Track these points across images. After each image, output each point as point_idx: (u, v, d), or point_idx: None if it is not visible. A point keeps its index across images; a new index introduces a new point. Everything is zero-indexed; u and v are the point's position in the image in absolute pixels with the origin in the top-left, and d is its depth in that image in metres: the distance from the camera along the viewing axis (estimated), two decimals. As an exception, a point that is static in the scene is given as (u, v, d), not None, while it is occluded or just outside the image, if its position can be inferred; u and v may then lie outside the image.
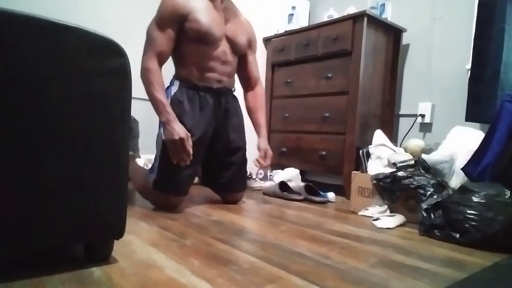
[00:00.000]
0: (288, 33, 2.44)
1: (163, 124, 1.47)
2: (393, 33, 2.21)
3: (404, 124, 2.24)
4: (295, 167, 2.16)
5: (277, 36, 2.52)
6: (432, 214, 1.31)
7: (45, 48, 0.72)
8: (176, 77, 1.62)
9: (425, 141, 1.90)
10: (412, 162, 1.61)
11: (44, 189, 0.73)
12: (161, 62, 1.50)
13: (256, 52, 1.83)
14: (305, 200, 1.92)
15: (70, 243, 0.90)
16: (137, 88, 1.54)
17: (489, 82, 1.75)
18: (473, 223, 1.17)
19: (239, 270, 0.86)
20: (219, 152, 1.66)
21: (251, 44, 1.77)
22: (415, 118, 2.14)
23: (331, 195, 1.94)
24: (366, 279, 0.85)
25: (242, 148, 1.73)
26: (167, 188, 1.49)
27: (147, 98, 1.47)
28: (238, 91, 1.80)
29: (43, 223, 0.74)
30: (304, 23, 2.61)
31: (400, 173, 1.52)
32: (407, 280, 0.85)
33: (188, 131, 1.45)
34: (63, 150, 0.75)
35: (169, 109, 1.46)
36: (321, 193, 1.93)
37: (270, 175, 2.26)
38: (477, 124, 1.84)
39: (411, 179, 1.47)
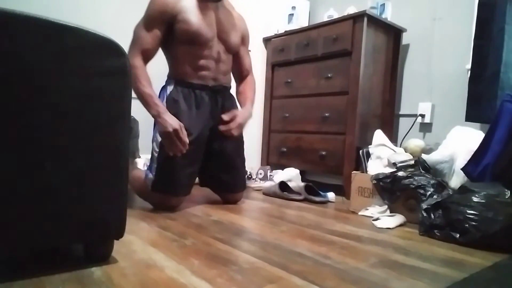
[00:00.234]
0: (288, 33, 2.44)
1: (153, 117, 1.46)
2: (393, 33, 2.21)
3: (404, 124, 2.24)
4: (295, 167, 2.16)
5: (277, 36, 2.52)
6: (432, 214, 1.31)
7: (45, 48, 0.72)
8: (170, 76, 1.62)
9: (425, 141, 1.90)
10: (412, 162, 1.61)
11: (44, 189, 0.73)
12: (145, 60, 1.50)
13: (249, 44, 1.82)
14: (305, 200, 1.92)
15: (70, 243, 0.90)
16: (137, 88, 1.54)
17: (489, 82, 1.75)
18: (473, 223, 1.17)
19: (239, 270, 0.86)
20: (218, 151, 1.66)
21: (244, 40, 1.76)
22: (415, 118, 2.14)
23: (331, 195, 1.94)
24: (366, 279, 0.85)
25: (241, 148, 1.73)
26: (165, 189, 1.49)
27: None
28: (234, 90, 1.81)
29: (43, 223, 0.74)
30: (304, 23, 2.61)
31: (400, 173, 1.52)
32: (407, 280, 0.85)
33: (185, 131, 1.45)
34: (63, 150, 0.75)
35: (157, 101, 1.46)
36: (321, 193, 1.93)
37: (270, 175, 2.27)
38: (477, 124, 1.83)
39: (411, 179, 1.47)
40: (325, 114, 2.15)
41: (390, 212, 1.53)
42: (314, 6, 2.80)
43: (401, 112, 2.28)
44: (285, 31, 2.48)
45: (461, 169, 1.45)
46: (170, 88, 1.57)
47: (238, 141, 1.71)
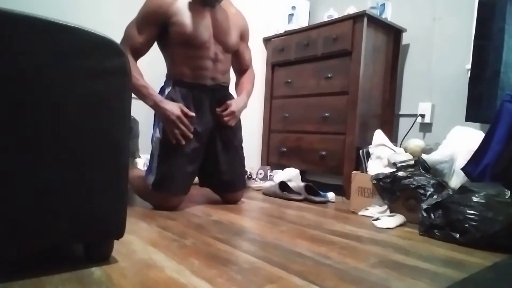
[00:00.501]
0: (288, 33, 2.43)
1: (152, 107, 1.46)
2: (393, 33, 2.21)
3: (404, 124, 2.24)
4: (295, 167, 2.16)
5: (277, 36, 2.52)
6: (432, 214, 1.31)
7: (45, 48, 0.72)
8: (169, 76, 1.62)
9: (425, 141, 1.90)
10: (412, 162, 1.61)
11: (44, 189, 0.73)
12: (135, 58, 1.50)
13: (249, 40, 1.82)
14: (305, 200, 1.92)
15: (70, 243, 0.90)
16: (137, 88, 1.54)
17: (489, 82, 1.75)
18: (473, 223, 1.17)
19: (239, 270, 0.86)
20: (217, 151, 1.66)
21: (243, 36, 1.75)
22: (415, 118, 2.14)
23: (331, 195, 1.94)
24: (366, 279, 0.85)
25: (240, 147, 1.73)
26: (167, 188, 1.48)
27: None
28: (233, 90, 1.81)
29: (43, 223, 0.74)
30: (304, 23, 2.61)
31: (400, 173, 1.52)
32: (407, 280, 0.85)
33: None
34: (63, 150, 0.75)
35: (152, 91, 1.47)
36: (321, 193, 1.93)
37: (270, 175, 2.27)
38: (477, 124, 1.83)
39: (411, 179, 1.47)
40: (325, 114, 2.15)
41: (390, 212, 1.53)
42: (314, 6, 2.80)
43: (401, 112, 2.28)
44: (285, 31, 2.48)
45: (461, 169, 1.45)
46: (168, 89, 1.57)
47: (234, 139, 1.71)
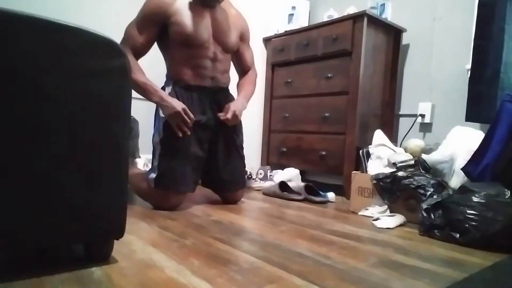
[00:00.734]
0: (288, 33, 2.43)
1: (157, 103, 1.48)
2: (393, 33, 2.21)
3: (404, 124, 2.24)
4: (295, 167, 2.16)
5: (277, 36, 2.52)
6: (432, 214, 1.31)
7: (45, 48, 0.72)
8: (169, 76, 1.62)
9: (425, 141, 1.90)
10: (412, 162, 1.61)
11: (44, 189, 0.73)
12: (136, 57, 1.51)
13: (249, 40, 1.82)
14: (305, 200, 1.92)
15: (70, 243, 0.90)
16: (137, 88, 1.54)
17: (489, 82, 1.75)
18: (473, 223, 1.17)
19: (239, 270, 0.86)
20: (218, 151, 1.66)
21: (243, 37, 1.76)
22: (415, 118, 2.14)
23: (331, 195, 1.94)
24: (366, 279, 0.85)
25: (240, 148, 1.74)
26: (167, 184, 1.48)
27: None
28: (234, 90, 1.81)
29: (43, 223, 0.74)
30: (304, 23, 2.61)
31: (400, 173, 1.52)
32: (407, 280, 0.85)
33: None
34: (63, 150, 0.75)
35: (156, 87, 1.49)
36: (321, 193, 1.93)
37: (270, 175, 2.27)
38: (477, 124, 1.84)
39: (411, 179, 1.47)
40: (325, 114, 2.15)
41: (390, 212, 1.53)
42: (314, 6, 2.80)
43: (401, 112, 2.28)
44: (285, 31, 2.48)
45: (461, 169, 1.45)
46: (168, 90, 1.57)
47: (236, 139, 1.71)
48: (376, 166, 1.70)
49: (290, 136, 2.39)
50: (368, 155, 1.78)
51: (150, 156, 1.63)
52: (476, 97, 1.79)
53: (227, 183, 1.70)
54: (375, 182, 1.59)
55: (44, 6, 1.74)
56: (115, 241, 0.88)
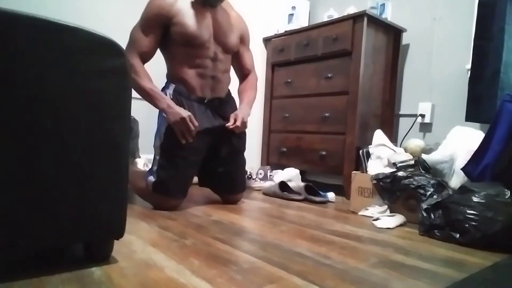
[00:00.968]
0: (288, 33, 2.43)
1: (163, 110, 1.48)
2: (393, 33, 2.21)
3: (404, 124, 2.24)
4: (295, 167, 2.16)
5: (277, 36, 2.52)
6: (432, 214, 1.31)
7: (45, 48, 0.72)
8: (170, 79, 1.62)
9: (425, 141, 1.90)
10: (412, 162, 1.61)
11: (44, 189, 0.73)
12: (142, 62, 1.52)
13: (249, 43, 1.82)
14: (305, 200, 1.92)
15: (70, 243, 0.90)
16: (137, 88, 1.54)
17: (489, 82, 1.75)
18: (473, 223, 1.17)
19: (239, 270, 0.86)
20: (220, 155, 1.66)
21: (243, 39, 1.76)
22: (415, 118, 2.14)
23: (331, 195, 1.94)
24: (366, 279, 0.85)
25: (242, 151, 1.74)
26: (167, 191, 1.49)
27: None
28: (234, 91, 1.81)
29: (43, 223, 0.74)
30: (304, 23, 2.61)
31: (400, 173, 1.52)
32: (407, 280, 0.85)
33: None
34: (63, 150, 0.75)
35: (163, 94, 1.50)
36: (321, 193, 1.93)
37: (270, 175, 2.26)
38: (477, 124, 1.84)
39: (411, 179, 1.47)
40: (325, 114, 2.15)
41: (390, 212, 1.53)
42: (314, 6, 2.80)
43: (401, 112, 2.28)
44: (285, 31, 2.48)
45: (461, 169, 1.45)
46: (169, 91, 1.57)
47: (239, 143, 1.71)
48: (376, 166, 1.70)
49: (290, 136, 2.39)
50: (368, 155, 1.78)
51: (150, 156, 1.63)
52: (476, 97, 1.79)
53: (228, 186, 1.71)
54: (375, 182, 1.59)
55: (44, 6, 1.74)
56: (115, 241, 0.88)
